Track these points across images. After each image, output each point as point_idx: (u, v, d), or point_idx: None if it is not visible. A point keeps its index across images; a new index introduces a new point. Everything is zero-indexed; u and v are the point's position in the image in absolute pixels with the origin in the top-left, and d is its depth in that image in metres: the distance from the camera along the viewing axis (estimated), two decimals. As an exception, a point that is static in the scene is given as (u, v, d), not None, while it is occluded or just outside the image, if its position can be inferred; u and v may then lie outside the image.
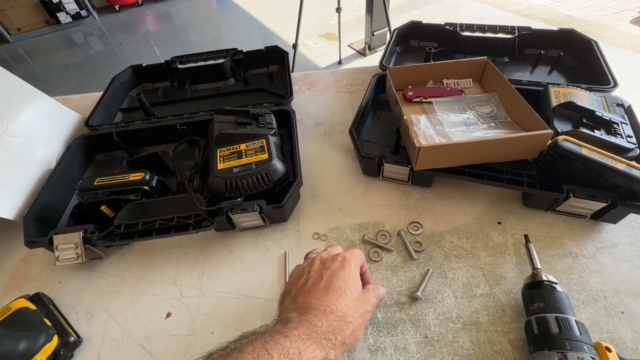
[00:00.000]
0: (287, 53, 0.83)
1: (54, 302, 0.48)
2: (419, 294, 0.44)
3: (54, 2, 3.46)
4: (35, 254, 0.54)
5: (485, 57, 0.63)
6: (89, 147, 0.67)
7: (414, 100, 0.63)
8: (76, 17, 3.68)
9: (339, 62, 2.54)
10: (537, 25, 0.80)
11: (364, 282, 0.41)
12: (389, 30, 2.17)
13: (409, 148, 0.52)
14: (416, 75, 0.65)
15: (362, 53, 2.62)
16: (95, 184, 0.52)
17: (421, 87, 0.64)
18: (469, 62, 0.64)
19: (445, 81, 0.66)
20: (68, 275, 0.51)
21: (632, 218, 0.49)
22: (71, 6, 3.58)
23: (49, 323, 0.42)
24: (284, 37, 2.96)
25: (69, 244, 0.48)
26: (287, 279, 0.40)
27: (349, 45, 2.72)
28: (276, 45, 0.85)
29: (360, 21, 2.63)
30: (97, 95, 0.77)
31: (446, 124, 0.57)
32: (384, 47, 0.81)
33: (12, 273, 0.53)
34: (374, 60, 2.51)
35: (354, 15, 3.05)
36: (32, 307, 0.43)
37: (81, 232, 0.48)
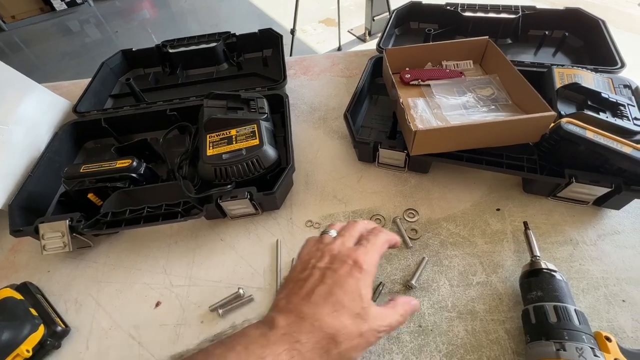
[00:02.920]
0: (281, 36, 0.80)
1: (42, 291, 0.47)
2: (413, 282, 0.43)
3: (48, -12, 3.39)
4: (23, 243, 0.53)
5: (487, 37, 0.61)
6: (77, 134, 0.65)
7: (411, 83, 0.60)
8: (71, 4, 3.61)
9: (339, 49, 2.49)
10: (542, 6, 0.76)
11: None
12: (389, 14, 2.12)
13: (404, 132, 0.50)
14: (414, 57, 0.62)
15: (362, 39, 2.56)
16: (81, 171, 0.51)
17: (419, 69, 0.62)
18: (470, 43, 0.61)
19: (444, 63, 0.63)
20: (57, 264, 0.50)
21: (636, 204, 0.47)
22: (66, -7, 3.51)
23: (35, 313, 0.41)
24: (283, 23, 2.89)
25: (55, 232, 0.47)
26: (296, 257, 0.36)
27: (349, 31, 2.66)
28: (270, 28, 0.82)
29: (360, 6, 2.55)
30: (88, 81, 0.75)
31: (444, 108, 0.54)
32: (384, 27, 0.77)
33: (1, 262, 0.52)
34: (374, 46, 2.46)
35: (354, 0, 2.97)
36: (18, 296, 0.42)
37: (67, 221, 0.47)
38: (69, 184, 0.50)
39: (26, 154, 0.59)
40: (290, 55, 2.18)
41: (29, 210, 0.52)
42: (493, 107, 0.54)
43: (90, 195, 0.51)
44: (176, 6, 3.63)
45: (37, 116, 0.65)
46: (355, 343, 0.29)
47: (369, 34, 2.51)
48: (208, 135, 0.53)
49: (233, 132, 0.53)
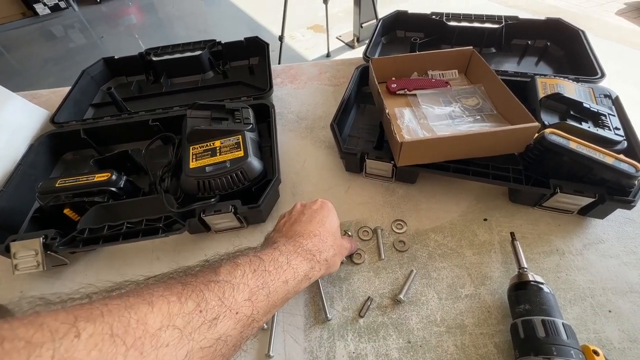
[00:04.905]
0: (267, 44, 0.79)
1: (14, 314, 0.45)
2: (401, 296, 0.42)
3: (30, -7, 3.32)
4: (-6, 262, 0.51)
5: (471, 47, 0.61)
6: (55, 146, 0.63)
7: (397, 92, 0.60)
8: (55, 8, 3.53)
9: (327, 55, 2.50)
10: (524, 16, 0.78)
11: None
12: (377, 21, 2.14)
13: (391, 143, 0.49)
14: (400, 67, 0.63)
15: (350, 45, 2.58)
16: (56, 185, 0.49)
17: (405, 79, 0.62)
18: (455, 53, 0.62)
19: (430, 72, 0.63)
20: (30, 284, 0.48)
21: (619, 213, 0.47)
22: (49, -3, 3.44)
23: (4, 338, 0.39)
24: (272, 29, 2.89)
25: (28, 251, 0.45)
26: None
27: (337, 38, 2.67)
28: (256, 37, 0.81)
29: (348, 13, 2.57)
30: (68, 90, 0.73)
31: (431, 118, 0.54)
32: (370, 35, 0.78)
33: (-30, 283, 0.49)
34: (362, 53, 2.48)
35: (342, 6, 2.99)
36: (-13, 320, 0.40)
37: (41, 238, 0.45)
38: (44, 199, 0.48)
39: (-1, 167, 0.57)
40: (279, 61, 2.17)
41: (0, 227, 0.49)
42: (479, 117, 0.54)
43: (66, 211, 0.49)
44: (163, 11, 3.60)
45: (12, 127, 0.63)
46: (338, 250, 0.39)
47: (357, 40, 2.53)
48: (191, 147, 0.52)
49: (217, 143, 0.52)
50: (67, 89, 0.75)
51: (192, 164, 0.49)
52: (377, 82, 0.55)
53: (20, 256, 0.45)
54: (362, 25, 2.40)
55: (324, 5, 2.15)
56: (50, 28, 3.44)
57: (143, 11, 3.67)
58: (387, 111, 0.49)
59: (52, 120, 0.64)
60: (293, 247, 0.34)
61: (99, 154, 0.63)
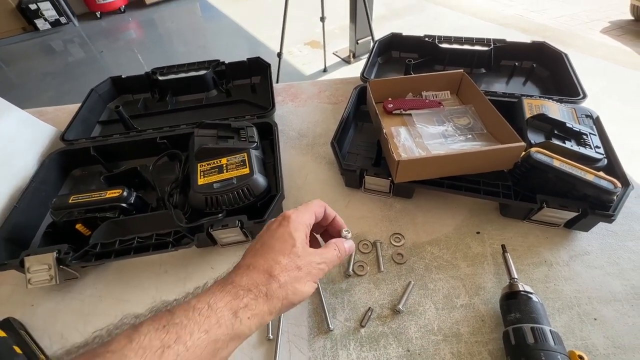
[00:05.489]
0: (269, 65, 0.83)
1: (26, 326, 0.46)
2: (400, 307, 0.44)
3: (32, 8, 3.37)
4: (5, 276, 0.52)
5: (462, 70, 0.65)
6: (64, 163, 0.65)
7: (394, 112, 0.64)
8: (55, 23, 3.59)
9: (324, 70, 2.57)
10: (513, 34, 0.83)
11: (334, 230, 0.43)
12: (372, 39, 2.22)
13: (388, 161, 0.53)
14: (396, 88, 0.66)
15: (347, 61, 2.65)
16: (70, 201, 0.51)
17: (401, 99, 0.66)
18: (447, 75, 0.66)
19: (424, 93, 0.67)
20: (41, 298, 0.49)
21: (602, 226, 0.51)
22: (50, 13, 3.49)
23: (18, 350, 0.40)
24: (270, 45, 2.97)
25: (41, 265, 0.46)
26: None
27: (334, 53, 2.75)
28: (258, 57, 0.85)
29: (344, 30, 2.66)
30: (74, 107, 0.75)
31: (425, 136, 0.58)
32: (367, 55, 0.82)
33: (-19, 297, 0.50)
34: (358, 68, 2.53)
35: (339, 24, 3.09)
36: (1, 333, 0.41)
37: (55, 253, 0.46)
38: (57, 214, 0.50)
39: (11, 184, 0.58)
40: (277, 77, 2.23)
41: (13, 242, 0.51)
42: (470, 136, 0.57)
43: (78, 226, 0.51)
44: (163, 27, 3.67)
45: (24, 144, 0.65)
46: (295, 274, 0.33)
47: (353, 56, 2.61)
48: (199, 164, 0.55)
49: (224, 161, 0.55)
50: (71, 106, 0.77)
51: (200, 181, 0.52)
52: (374, 103, 0.59)
53: (33, 270, 0.46)
54: (358, 41, 2.48)
55: (321, 23, 2.22)
56: (50, 43, 3.49)
57: (143, 26, 3.74)
58: (384, 131, 0.53)
59: (62, 137, 0.66)
60: (220, 287, 0.32)
61: (107, 170, 0.65)
